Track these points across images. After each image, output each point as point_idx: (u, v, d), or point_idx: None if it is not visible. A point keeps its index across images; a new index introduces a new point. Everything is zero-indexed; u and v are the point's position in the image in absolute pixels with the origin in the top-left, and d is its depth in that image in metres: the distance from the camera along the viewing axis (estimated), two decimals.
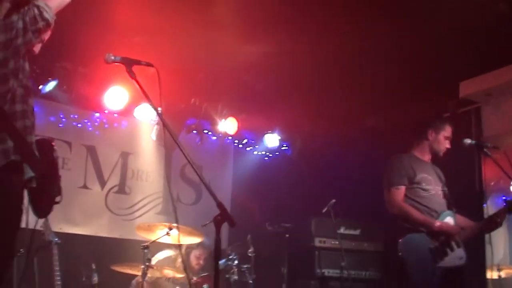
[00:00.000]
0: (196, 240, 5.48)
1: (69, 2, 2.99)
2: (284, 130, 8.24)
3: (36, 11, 2.79)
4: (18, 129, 2.68)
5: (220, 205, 2.89)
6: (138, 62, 3.06)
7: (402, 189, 4.84)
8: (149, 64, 3.09)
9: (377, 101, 6.89)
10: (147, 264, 5.10)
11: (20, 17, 2.78)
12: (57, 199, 2.86)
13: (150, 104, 3.04)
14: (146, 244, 5.14)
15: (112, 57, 3.03)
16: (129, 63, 3.03)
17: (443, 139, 5.08)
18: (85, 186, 7.22)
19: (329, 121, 7.58)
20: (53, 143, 2.98)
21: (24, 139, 2.67)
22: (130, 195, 7.57)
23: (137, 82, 3.01)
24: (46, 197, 2.80)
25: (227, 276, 6.03)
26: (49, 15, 2.83)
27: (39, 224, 5.54)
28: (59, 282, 5.25)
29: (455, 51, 5.58)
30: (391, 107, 6.94)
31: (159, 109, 7.16)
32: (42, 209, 2.77)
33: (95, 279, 5.50)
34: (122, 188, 7.53)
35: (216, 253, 2.87)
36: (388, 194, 4.84)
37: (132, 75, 3.02)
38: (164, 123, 3.01)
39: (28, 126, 2.72)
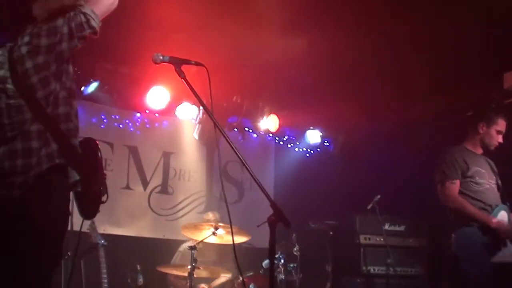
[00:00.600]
0: (242, 239, 5.37)
1: (114, 8, 2.89)
2: (326, 126, 8.18)
3: (83, 18, 2.75)
4: (62, 132, 2.62)
5: (274, 205, 2.81)
6: (188, 62, 2.96)
7: (457, 183, 4.70)
8: (199, 64, 2.99)
9: (421, 91, 6.69)
10: (193, 265, 4.99)
11: (66, 22, 2.73)
12: (103, 198, 2.81)
13: (201, 104, 2.91)
14: (193, 244, 5.04)
15: (161, 57, 2.94)
16: (178, 63, 2.95)
17: (495, 133, 4.90)
18: (127, 187, 7.21)
19: (371, 115, 7.47)
20: (97, 142, 2.92)
21: (69, 141, 2.60)
22: (172, 195, 7.55)
23: (186, 81, 2.90)
24: (92, 198, 2.80)
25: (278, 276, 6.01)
26: (96, 23, 2.79)
27: (85, 226, 5.60)
28: (106, 285, 5.23)
29: (500, 41, 5.35)
30: (436, 97, 6.72)
31: (200, 108, 7.13)
32: (89, 210, 2.73)
33: (141, 280, 5.48)
34: (164, 188, 7.51)
35: (271, 255, 2.83)
36: (443, 188, 4.70)
37: (181, 74, 2.93)
38: (214, 122, 2.87)
39: (71, 128, 2.71)
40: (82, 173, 2.66)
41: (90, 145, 2.90)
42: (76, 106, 2.84)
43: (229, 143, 2.86)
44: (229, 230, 5.27)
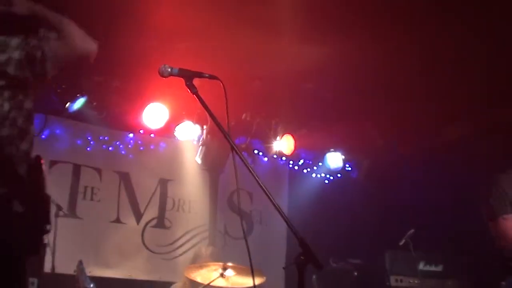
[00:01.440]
0: (257, 281, 5.30)
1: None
2: (349, 148, 8.13)
3: (39, 55, 2.86)
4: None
5: (303, 242, 2.71)
6: (201, 75, 2.97)
7: (510, 217, 4.62)
8: (213, 77, 2.98)
9: (458, 110, 6.68)
10: None
11: (21, 46, 2.85)
12: (47, 227, 2.86)
13: (216, 123, 2.89)
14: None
15: (169, 69, 2.95)
16: (189, 76, 2.94)
17: None
18: (118, 220, 7.19)
19: (402, 136, 7.45)
20: (42, 161, 2.96)
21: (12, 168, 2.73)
22: (170, 229, 7.51)
23: (199, 98, 2.90)
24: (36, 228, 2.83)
25: None
26: (50, 67, 2.88)
27: (71, 268, 5.56)
28: None
29: None
30: (474, 116, 6.72)
31: (204, 128, 7.11)
32: (32, 243, 2.78)
33: None
34: (161, 222, 7.47)
35: None
36: (496, 225, 4.63)
37: (193, 90, 2.92)
38: (231, 144, 2.86)
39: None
40: (26, 203, 2.72)
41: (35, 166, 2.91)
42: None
43: (248, 167, 2.83)
44: (239, 270, 5.20)
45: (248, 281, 5.27)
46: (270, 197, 2.88)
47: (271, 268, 7.55)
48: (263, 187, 2.91)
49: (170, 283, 6.77)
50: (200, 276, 5.40)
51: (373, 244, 7.41)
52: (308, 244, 2.73)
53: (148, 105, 6.72)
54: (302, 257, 2.69)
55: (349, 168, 8.41)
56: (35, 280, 5.22)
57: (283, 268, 2.79)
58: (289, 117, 7.46)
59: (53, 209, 5.73)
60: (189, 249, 7.49)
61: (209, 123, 7.10)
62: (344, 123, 7.36)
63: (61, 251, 5.91)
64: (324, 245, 7.50)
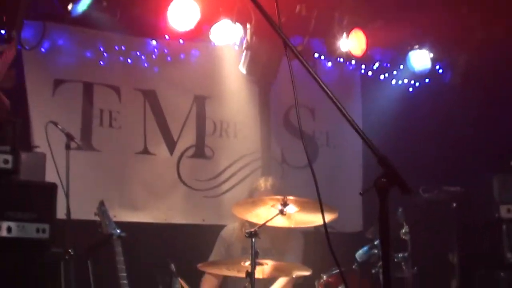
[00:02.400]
0: (326, 217, 5.29)
1: None
2: (439, 43, 7.99)
3: None
4: None
5: (384, 161, 2.68)
6: None
7: None
8: None
9: None
10: (256, 260, 5.01)
11: None
12: None
13: (264, 15, 2.82)
14: (252, 230, 5.03)
15: None
16: None
17: None
18: (145, 151, 7.29)
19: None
20: None
21: None
22: (213, 160, 7.61)
23: None
24: None
25: (373, 271, 6.03)
26: None
27: (89, 211, 5.70)
28: None
29: None
30: None
31: (248, 27, 7.06)
32: None
33: (178, 286, 5.48)
34: (200, 151, 7.56)
35: (383, 238, 2.78)
36: None
37: None
38: (285, 41, 2.82)
39: None
40: None
41: None
42: None
43: (309, 71, 2.79)
44: (303, 205, 5.20)
45: (315, 218, 5.28)
46: (341, 107, 2.89)
47: (344, 201, 7.71)
48: (331, 95, 2.95)
49: (217, 227, 6.89)
50: (252, 214, 5.44)
51: (476, 167, 7.47)
52: (391, 164, 2.69)
53: (174, 1, 6.67)
54: (383, 179, 2.66)
55: (440, 70, 8.29)
56: (46, 226, 5.37)
57: (360, 193, 2.75)
58: (358, 7, 7.36)
59: (62, 140, 5.84)
60: (237, 184, 7.63)
61: (253, 21, 7.01)
62: (431, 12, 7.26)
63: (76, 192, 6.05)
64: (411, 170, 7.46)
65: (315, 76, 2.93)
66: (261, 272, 5.47)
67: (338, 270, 5.89)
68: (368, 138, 2.79)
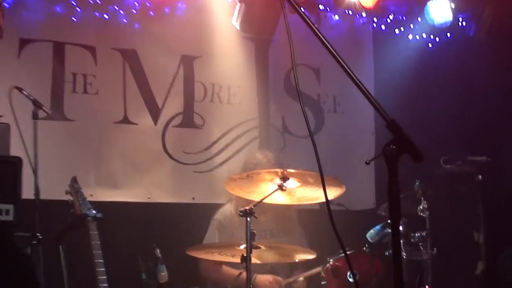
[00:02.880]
0: (330, 194, 5.28)
1: None
2: None
3: None
4: None
5: (394, 125, 2.71)
6: None
7: None
8: None
9: None
10: (253, 243, 5.02)
11: None
12: None
13: None
14: (246, 208, 5.02)
15: None
16: None
17: None
18: (126, 120, 7.26)
19: None
20: None
21: None
22: (203, 129, 7.59)
23: None
24: None
25: (386, 253, 6.05)
26: None
27: (60, 191, 5.67)
28: (104, 284, 5.29)
29: None
30: None
31: None
32: None
33: (163, 274, 5.47)
34: (189, 119, 7.53)
35: (393, 214, 2.72)
36: None
37: None
38: None
39: None
40: None
41: None
42: None
43: (309, 25, 2.75)
44: (305, 179, 5.20)
45: (320, 194, 5.26)
46: (346, 66, 2.90)
47: (354, 174, 7.71)
48: (335, 53, 2.93)
49: (209, 206, 6.89)
50: (248, 191, 5.42)
51: (504, 135, 7.54)
52: (401, 128, 2.71)
53: None
54: (392, 146, 2.67)
55: (463, 23, 8.25)
56: (10, 207, 5.33)
57: (366, 162, 2.70)
58: None
59: (29, 109, 5.79)
60: (232, 156, 7.60)
61: None
62: None
63: (46, 168, 6.00)
64: (430, 138, 7.59)
65: (316, 30, 2.95)
66: (259, 256, 5.48)
67: (344, 253, 5.98)
68: (375, 100, 2.81)
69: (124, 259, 6.24)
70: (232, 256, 5.45)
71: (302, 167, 5.31)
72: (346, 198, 7.08)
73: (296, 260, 6.01)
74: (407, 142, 2.67)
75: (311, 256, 5.76)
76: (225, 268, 6.37)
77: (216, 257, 5.68)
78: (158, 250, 5.59)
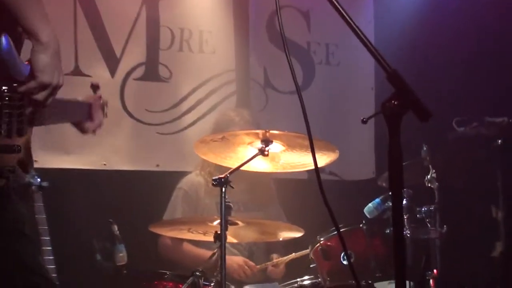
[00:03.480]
0: (320, 161, 5.26)
1: None
2: None
3: None
4: None
5: (394, 76, 2.69)
6: None
7: None
8: None
9: None
10: (228, 218, 5.01)
11: None
12: None
13: None
14: (221, 176, 4.98)
15: None
16: None
17: None
18: (77, 72, 7.21)
19: None
20: None
21: None
22: (170, 83, 7.58)
23: None
24: None
25: (387, 230, 6.00)
26: None
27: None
28: (52, 265, 5.31)
29: None
30: None
31: None
32: None
33: (122, 255, 5.46)
34: (153, 70, 7.52)
35: (394, 183, 2.68)
36: None
37: None
38: None
39: None
40: None
41: None
42: None
43: None
44: (292, 142, 5.20)
45: (309, 160, 5.25)
46: (343, 12, 2.88)
47: (350, 138, 7.68)
48: None
49: (177, 174, 6.88)
50: (222, 156, 5.40)
51: None
52: (404, 80, 2.69)
53: None
54: (394, 101, 2.66)
55: None
56: None
57: (363, 120, 2.65)
58: None
59: None
60: (204, 116, 7.62)
61: None
62: None
63: None
64: (440, 96, 7.60)
65: None
66: (236, 234, 5.47)
67: (337, 230, 5.97)
68: (374, 47, 2.78)
69: (75, 236, 6.22)
70: (204, 233, 5.45)
71: (287, 128, 5.30)
72: (340, 166, 7.09)
73: (280, 239, 6.02)
74: (411, 97, 2.65)
75: (298, 234, 5.76)
76: (187, 247, 6.41)
77: (185, 234, 5.71)
78: (115, 227, 5.60)
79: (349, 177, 7.80)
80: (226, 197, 4.99)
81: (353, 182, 7.77)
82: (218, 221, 5.05)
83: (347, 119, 7.91)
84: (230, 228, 5.15)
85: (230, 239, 5.32)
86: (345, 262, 5.90)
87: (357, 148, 7.86)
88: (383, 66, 2.72)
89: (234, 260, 6.28)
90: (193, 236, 5.67)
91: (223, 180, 4.96)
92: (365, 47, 2.78)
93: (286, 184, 6.86)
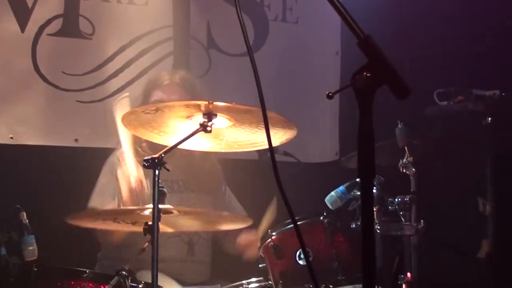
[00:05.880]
0: (276, 139, 5.31)
1: None
2: None
3: None
4: None
5: (367, 43, 2.76)
6: None
7: None
8: None
9: None
10: (161, 206, 5.00)
11: None
12: None
13: None
14: (154, 156, 5.01)
15: None
16: None
17: None
18: None
19: None
20: None
21: None
22: (93, 40, 7.58)
23: None
24: None
25: (353, 225, 6.08)
26: None
27: None
28: None
29: None
30: None
31: None
32: None
33: (32, 248, 5.48)
34: (72, 24, 7.51)
35: (364, 165, 2.77)
36: None
37: None
38: None
39: None
40: None
41: None
42: None
43: None
44: (240, 115, 5.20)
45: (260, 138, 5.30)
46: None
47: (310, 113, 7.73)
48: None
49: (99, 151, 6.90)
50: (155, 131, 5.43)
51: None
52: (379, 48, 2.75)
53: None
54: (366, 74, 2.71)
55: None
56: None
57: (328, 95, 2.66)
58: None
59: None
60: (133, 80, 7.66)
61: None
62: None
63: None
64: (420, 65, 7.69)
65: None
66: (170, 224, 5.51)
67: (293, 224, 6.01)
68: (342, 4, 2.82)
69: None
70: (133, 223, 5.48)
71: (234, 99, 5.29)
72: (297, 145, 7.12)
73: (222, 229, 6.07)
74: (388, 69, 2.71)
75: (244, 225, 5.81)
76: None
77: (111, 225, 5.72)
78: (23, 214, 5.60)
79: (308, 159, 7.86)
80: (160, 180, 5.04)
81: (312, 165, 7.83)
82: (150, 210, 5.08)
83: (306, 89, 7.97)
84: (165, 217, 5.20)
85: (166, 229, 5.39)
86: (301, 262, 5.91)
87: (317, 124, 7.94)
88: (353, 29, 2.78)
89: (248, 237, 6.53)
90: (119, 227, 5.72)
91: (157, 161, 4.96)
92: (330, 2, 2.83)
93: (232, 165, 6.89)
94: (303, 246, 5.64)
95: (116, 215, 5.63)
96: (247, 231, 6.50)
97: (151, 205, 4.99)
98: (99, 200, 6.49)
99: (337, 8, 2.80)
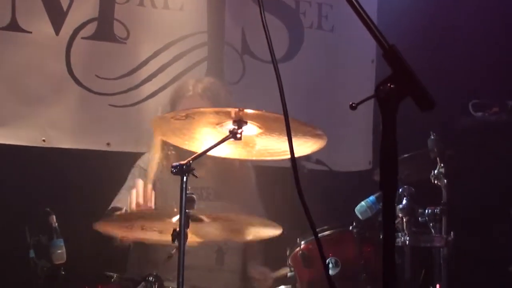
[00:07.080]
0: (307, 146, 5.31)
1: None
2: None
3: None
4: None
5: (392, 53, 2.75)
6: None
7: None
8: None
9: None
10: (191, 212, 5.01)
11: None
12: None
13: None
14: (182, 162, 5.01)
15: None
16: None
17: None
18: (14, 27, 7.24)
19: None
20: None
21: None
22: (128, 45, 7.61)
23: None
24: None
25: (381, 236, 5.93)
26: None
27: None
28: None
29: None
30: None
31: None
32: None
33: (60, 252, 5.51)
34: (106, 28, 7.54)
35: (385, 178, 2.75)
36: None
37: None
38: None
39: None
40: None
41: None
42: None
43: None
44: (269, 124, 5.18)
45: (278, 144, 5.33)
46: None
47: (342, 119, 7.72)
48: None
49: (131, 155, 6.92)
50: (185, 138, 5.43)
51: None
52: (404, 59, 2.74)
53: None
54: (390, 85, 2.71)
55: None
56: None
57: (352, 106, 2.66)
58: None
59: None
60: (167, 86, 7.64)
61: None
62: None
63: None
64: (454, 76, 7.69)
65: None
66: (199, 233, 5.51)
67: (324, 233, 6.00)
68: (368, 15, 2.81)
69: (3, 228, 6.24)
70: (160, 232, 5.49)
71: (266, 106, 5.24)
72: (330, 154, 7.10)
73: (249, 238, 6.06)
74: (411, 81, 2.70)
75: (274, 232, 5.76)
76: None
77: (136, 233, 5.72)
78: (53, 217, 5.62)
79: (340, 168, 7.84)
80: (189, 187, 5.01)
81: (344, 174, 7.82)
82: (177, 217, 5.03)
83: (341, 98, 7.93)
84: (196, 227, 5.22)
85: (193, 237, 5.37)
86: (330, 271, 5.88)
87: (351, 133, 7.91)
88: (379, 40, 2.79)
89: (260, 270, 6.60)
90: (145, 236, 5.71)
91: (185, 168, 4.96)
92: (355, 12, 2.83)
93: (264, 172, 6.90)
94: (323, 257, 5.65)
95: (142, 220, 5.63)
96: (264, 268, 6.62)
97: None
98: (123, 200, 6.47)
99: (362, 18, 2.80)
